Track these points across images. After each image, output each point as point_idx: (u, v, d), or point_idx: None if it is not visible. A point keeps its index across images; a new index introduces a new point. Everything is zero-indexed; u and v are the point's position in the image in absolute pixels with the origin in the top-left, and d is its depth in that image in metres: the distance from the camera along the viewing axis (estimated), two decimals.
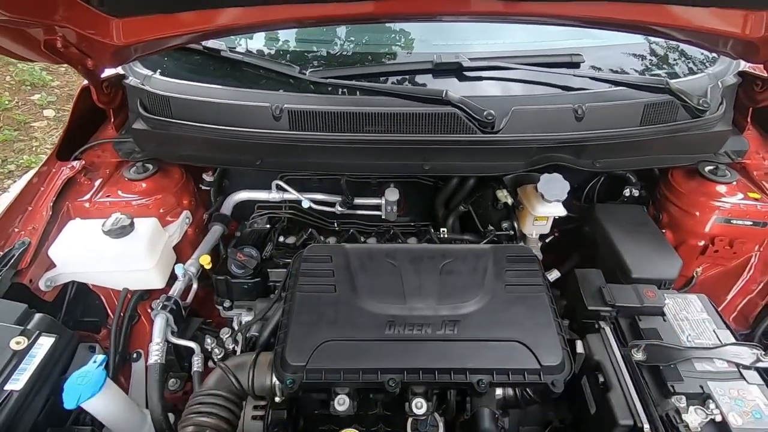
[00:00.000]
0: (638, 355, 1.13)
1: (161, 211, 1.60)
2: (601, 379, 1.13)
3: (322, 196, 1.76)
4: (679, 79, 1.58)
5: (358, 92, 1.53)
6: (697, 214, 1.57)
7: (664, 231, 1.63)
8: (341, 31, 1.83)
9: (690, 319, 1.26)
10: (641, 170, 1.77)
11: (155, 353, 1.29)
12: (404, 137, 1.44)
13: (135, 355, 1.49)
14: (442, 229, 1.69)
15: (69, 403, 1.06)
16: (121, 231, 1.40)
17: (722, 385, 1.07)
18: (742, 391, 1.06)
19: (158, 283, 1.50)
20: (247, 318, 1.48)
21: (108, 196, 1.58)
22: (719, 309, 1.31)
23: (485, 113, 1.40)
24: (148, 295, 1.56)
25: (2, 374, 1.06)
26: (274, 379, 1.14)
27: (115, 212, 1.44)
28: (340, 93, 1.53)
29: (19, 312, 1.19)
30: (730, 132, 1.63)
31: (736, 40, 1.28)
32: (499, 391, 1.20)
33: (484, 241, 1.64)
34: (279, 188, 1.73)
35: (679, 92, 1.48)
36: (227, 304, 1.54)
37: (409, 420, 1.14)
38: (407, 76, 1.60)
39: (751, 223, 1.53)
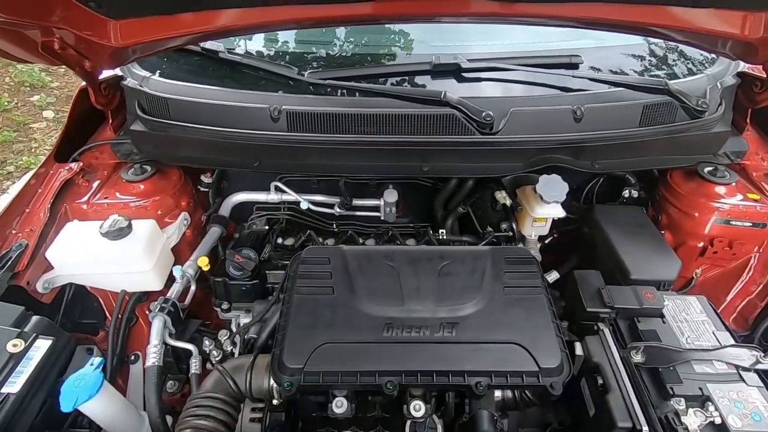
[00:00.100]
0: (637, 357, 1.13)
1: (159, 212, 1.60)
2: (600, 381, 1.12)
3: (320, 197, 1.75)
4: (678, 80, 1.58)
5: (356, 93, 1.53)
6: (697, 215, 1.57)
7: (663, 232, 1.62)
8: (339, 32, 1.83)
9: (689, 321, 1.26)
10: (640, 171, 1.77)
11: (153, 355, 1.28)
12: (402, 138, 1.44)
13: (133, 357, 1.49)
14: (440, 231, 1.69)
15: (66, 406, 1.05)
16: (119, 233, 1.39)
17: (721, 387, 1.07)
18: (742, 393, 1.06)
19: (156, 285, 1.49)
20: (245, 320, 1.48)
21: (106, 198, 1.58)
22: (719, 310, 1.31)
23: (484, 114, 1.40)
24: (146, 297, 1.55)
25: None
26: (272, 381, 1.13)
27: (113, 214, 1.44)
28: (338, 94, 1.53)
29: (16, 314, 1.19)
30: (729, 133, 1.62)
31: (735, 41, 1.28)
32: (497, 393, 1.19)
33: (483, 242, 1.63)
34: (277, 189, 1.73)
35: (678, 93, 1.48)
36: (225, 306, 1.53)
37: (408, 422, 1.13)
38: (406, 78, 1.60)
39: (751, 224, 1.53)
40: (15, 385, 1.07)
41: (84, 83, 1.61)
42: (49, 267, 1.43)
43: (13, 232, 1.43)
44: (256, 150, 1.54)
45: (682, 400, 1.04)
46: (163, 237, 1.54)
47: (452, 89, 1.46)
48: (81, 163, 1.66)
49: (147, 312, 1.47)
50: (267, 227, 1.73)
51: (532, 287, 1.23)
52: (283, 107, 1.43)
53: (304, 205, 1.70)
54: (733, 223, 1.54)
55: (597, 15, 1.22)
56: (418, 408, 1.09)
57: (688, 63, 1.73)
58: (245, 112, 1.45)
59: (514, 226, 1.67)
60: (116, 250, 1.40)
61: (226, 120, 1.47)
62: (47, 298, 1.42)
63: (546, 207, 1.56)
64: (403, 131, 1.43)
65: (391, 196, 1.69)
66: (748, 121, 1.67)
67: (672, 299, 1.32)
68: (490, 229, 1.68)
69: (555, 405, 1.28)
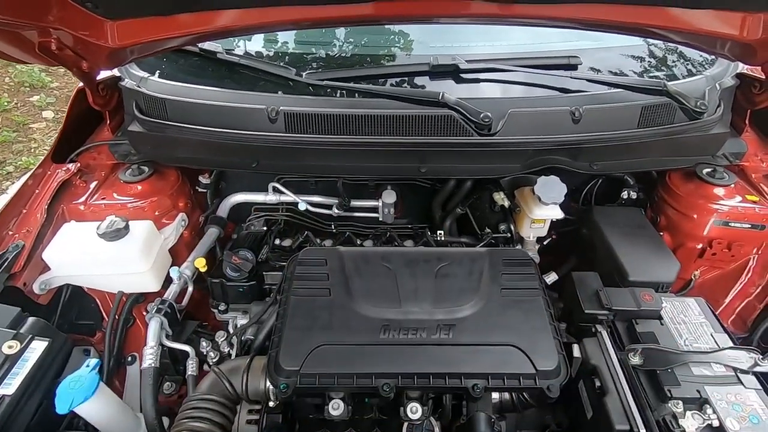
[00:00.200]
0: (635, 359, 1.13)
1: (157, 213, 1.59)
2: (598, 384, 1.12)
3: (318, 198, 1.75)
4: (677, 81, 1.58)
5: (354, 94, 1.52)
6: (695, 216, 1.56)
7: (661, 234, 1.62)
8: (338, 33, 1.82)
9: (687, 323, 1.25)
10: (639, 173, 1.76)
11: (149, 357, 1.28)
12: (400, 139, 1.44)
13: (130, 359, 1.49)
14: (438, 232, 1.69)
15: (61, 408, 1.05)
16: (116, 234, 1.39)
17: (719, 389, 1.06)
18: (740, 395, 1.05)
19: (153, 286, 1.49)
20: (242, 321, 1.47)
21: (103, 199, 1.58)
22: (717, 312, 1.31)
23: (482, 115, 1.39)
24: (143, 298, 1.55)
25: None
26: (268, 383, 1.13)
27: (110, 215, 1.43)
28: (336, 95, 1.53)
29: (12, 316, 1.19)
30: (728, 134, 1.62)
31: (733, 42, 1.28)
32: (495, 395, 1.19)
33: (481, 243, 1.63)
34: (275, 190, 1.73)
35: (676, 94, 1.47)
36: (222, 307, 1.53)
37: (405, 424, 1.13)
38: (404, 78, 1.60)
39: (749, 225, 1.53)
40: (10, 386, 1.06)
41: (82, 84, 1.61)
42: (46, 268, 1.42)
43: (10, 233, 1.42)
44: (253, 151, 1.53)
45: (680, 402, 1.03)
46: (161, 238, 1.54)
47: (450, 90, 1.45)
48: (78, 164, 1.66)
49: (144, 313, 1.46)
50: (265, 228, 1.73)
51: (529, 289, 1.22)
52: (281, 108, 1.42)
53: (302, 206, 1.70)
54: (732, 224, 1.53)
55: (595, 16, 1.22)
56: (414, 410, 1.08)
57: (686, 64, 1.73)
58: (243, 112, 1.45)
59: (512, 227, 1.67)
60: (113, 251, 1.39)
61: (223, 121, 1.47)
62: (44, 300, 1.42)
63: (544, 208, 1.56)
64: (401, 132, 1.43)
65: (389, 197, 1.69)
66: (747, 122, 1.67)
67: (670, 301, 1.31)
68: (489, 230, 1.68)
69: (553, 407, 1.28)
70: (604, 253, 1.50)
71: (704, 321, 1.26)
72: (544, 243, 1.75)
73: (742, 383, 1.08)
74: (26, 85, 4.96)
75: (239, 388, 1.16)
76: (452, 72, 1.57)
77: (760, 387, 1.07)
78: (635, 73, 1.67)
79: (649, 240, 1.51)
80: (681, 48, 1.75)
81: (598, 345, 1.20)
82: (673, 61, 1.75)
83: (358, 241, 1.70)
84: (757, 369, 1.09)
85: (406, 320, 1.14)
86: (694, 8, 1.21)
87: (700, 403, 1.04)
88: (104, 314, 1.54)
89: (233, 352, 1.38)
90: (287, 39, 1.83)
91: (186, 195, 1.73)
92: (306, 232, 1.68)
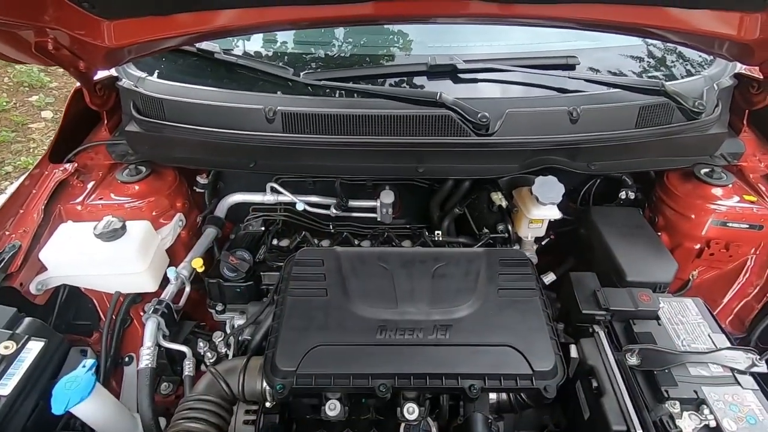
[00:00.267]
0: (632, 360, 1.13)
1: (154, 213, 1.59)
2: (595, 384, 1.12)
3: (316, 198, 1.75)
4: (675, 81, 1.58)
5: (352, 94, 1.52)
6: (693, 216, 1.56)
7: (659, 234, 1.62)
8: (336, 33, 1.82)
9: (685, 323, 1.25)
10: (637, 173, 1.76)
11: (146, 357, 1.28)
12: (398, 140, 1.44)
13: (127, 359, 1.49)
14: (436, 232, 1.68)
15: (57, 409, 1.05)
16: (113, 234, 1.39)
17: (717, 390, 1.06)
18: (737, 396, 1.05)
19: (150, 287, 1.49)
20: (239, 321, 1.47)
21: (101, 199, 1.57)
22: (715, 312, 1.30)
23: (479, 115, 1.39)
24: (140, 299, 1.55)
25: None
26: (264, 384, 1.13)
27: (107, 215, 1.43)
28: (333, 95, 1.52)
29: (8, 316, 1.19)
30: (726, 134, 1.62)
31: (731, 42, 1.28)
32: (492, 396, 1.19)
33: (479, 244, 1.63)
34: (273, 191, 1.73)
35: (674, 94, 1.47)
36: (220, 307, 1.53)
37: (402, 425, 1.13)
38: (401, 79, 1.60)
39: (747, 226, 1.53)
40: (6, 387, 1.06)
41: (79, 84, 1.61)
42: (43, 268, 1.42)
43: (7, 233, 1.42)
44: (251, 151, 1.53)
45: (677, 403, 1.03)
46: (158, 238, 1.53)
47: (448, 90, 1.45)
48: (76, 164, 1.65)
49: (141, 313, 1.46)
50: (263, 228, 1.73)
51: (526, 289, 1.22)
52: (278, 108, 1.42)
53: (300, 207, 1.70)
54: (730, 224, 1.53)
55: (594, 16, 1.22)
56: (411, 411, 1.08)
57: (684, 64, 1.72)
58: (240, 112, 1.45)
59: (510, 227, 1.67)
60: (110, 252, 1.39)
61: (221, 121, 1.46)
62: (41, 300, 1.41)
63: (542, 208, 1.56)
64: (399, 132, 1.43)
65: (387, 197, 1.69)
66: (744, 122, 1.67)
67: (668, 301, 1.31)
68: (487, 230, 1.67)
69: (551, 407, 1.28)
70: (602, 254, 1.50)
71: (702, 321, 1.26)
72: (543, 243, 1.75)
73: (739, 384, 1.08)
74: (25, 85, 4.96)
75: (236, 389, 1.16)
76: (450, 72, 1.57)
77: (758, 387, 1.07)
78: (633, 73, 1.67)
79: (647, 240, 1.51)
80: (679, 48, 1.75)
81: (595, 345, 1.19)
82: (672, 61, 1.75)
83: (356, 242, 1.70)
84: (755, 369, 1.09)
85: (402, 321, 1.14)
86: (692, 8, 1.20)
87: (697, 404, 1.04)
88: (101, 314, 1.53)
89: (230, 353, 1.37)
90: (285, 39, 1.83)
91: (183, 195, 1.73)
92: (303, 233, 1.68)
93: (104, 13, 1.21)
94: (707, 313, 1.28)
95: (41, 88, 5.00)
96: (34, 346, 1.16)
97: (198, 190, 1.83)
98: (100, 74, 1.58)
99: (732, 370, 1.10)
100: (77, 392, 1.07)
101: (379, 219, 1.75)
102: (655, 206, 1.71)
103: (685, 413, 1.02)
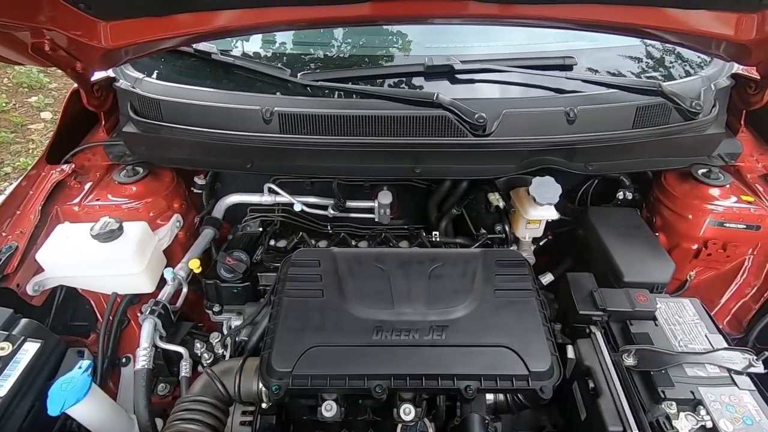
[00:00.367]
0: (629, 360, 1.12)
1: (151, 214, 1.59)
2: (591, 385, 1.11)
3: (314, 199, 1.75)
4: (672, 82, 1.58)
5: (349, 95, 1.52)
6: (691, 217, 1.56)
7: (657, 234, 1.62)
8: (333, 33, 1.82)
9: (682, 324, 1.25)
10: (634, 173, 1.76)
11: (142, 358, 1.28)
12: (395, 140, 1.43)
13: (124, 360, 1.49)
14: (434, 233, 1.68)
15: (53, 410, 1.05)
16: (110, 235, 1.39)
17: (713, 390, 1.06)
18: (734, 396, 1.05)
19: (147, 288, 1.48)
20: (236, 322, 1.47)
21: (98, 200, 1.57)
22: (713, 313, 1.31)
23: (476, 116, 1.39)
24: (137, 300, 1.54)
25: None
26: (260, 385, 1.13)
27: (104, 216, 1.43)
28: (330, 96, 1.52)
29: (4, 317, 1.19)
30: (723, 135, 1.62)
31: (728, 43, 1.28)
32: (490, 397, 1.19)
33: (476, 244, 1.63)
34: (271, 191, 1.73)
35: (671, 95, 1.47)
36: (217, 308, 1.53)
37: (399, 426, 1.12)
38: (399, 79, 1.60)
39: (745, 226, 1.52)
40: (1, 388, 1.06)
41: (76, 84, 1.61)
42: (40, 269, 1.42)
43: (3, 234, 1.42)
44: (248, 152, 1.53)
45: (674, 403, 1.03)
46: (155, 239, 1.53)
47: (445, 91, 1.45)
48: (73, 165, 1.65)
49: (139, 314, 1.46)
50: (260, 229, 1.73)
51: (523, 290, 1.22)
52: (275, 109, 1.42)
53: (297, 207, 1.70)
54: (727, 225, 1.53)
55: (594, 16, 1.22)
56: (408, 411, 1.08)
57: (682, 64, 1.72)
58: (237, 113, 1.45)
59: (508, 228, 1.66)
60: (107, 252, 1.39)
61: (218, 122, 1.46)
62: (38, 301, 1.41)
63: (539, 209, 1.56)
64: (396, 133, 1.43)
65: (385, 197, 1.69)
66: (742, 122, 1.66)
67: (665, 302, 1.31)
68: (484, 231, 1.67)
69: (548, 408, 1.27)
70: (600, 254, 1.50)
71: (699, 322, 1.26)
72: (540, 244, 1.75)
73: (736, 384, 1.07)
74: (25, 86, 4.96)
75: (232, 390, 1.16)
76: (447, 72, 1.57)
77: (754, 388, 1.07)
78: (631, 73, 1.67)
79: (644, 240, 1.51)
80: (676, 48, 1.75)
81: (592, 346, 1.19)
82: (669, 62, 1.75)
83: (353, 242, 1.70)
84: (751, 370, 1.09)
85: (398, 321, 1.14)
86: (690, 9, 1.20)
87: (693, 404, 1.03)
88: (99, 315, 1.53)
89: (227, 354, 1.37)
90: (283, 39, 1.83)
91: (181, 196, 1.73)
92: (300, 233, 1.68)
93: (100, 14, 1.21)
94: (704, 314, 1.28)
95: (41, 89, 5.00)
96: (30, 348, 1.16)
97: (195, 191, 1.83)
98: (98, 75, 1.58)
99: (729, 370, 1.10)
100: (73, 393, 1.06)
101: (377, 220, 1.74)
102: (653, 206, 1.71)
103: (682, 414, 1.02)
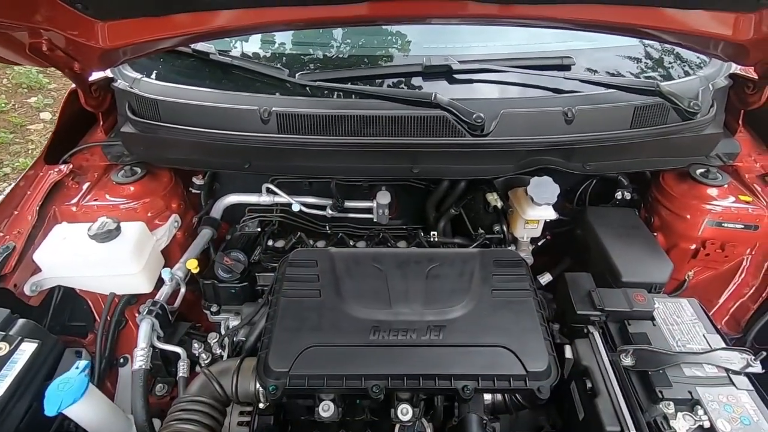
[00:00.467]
0: (627, 360, 1.12)
1: (149, 214, 1.59)
2: (589, 385, 1.11)
3: (312, 199, 1.75)
4: (670, 82, 1.58)
5: (347, 95, 1.52)
6: (689, 217, 1.56)
7: (655, 234, 1.62)
8: (331, 34, 1.82)
9: (680, 324, 1.25)
10: (633, 173, 1.76)
11: (140, 359, 1.27)
12: (393, 140, 1.43)
13: (122, 360, 1.49)
14: (432, 233, 1.68)
15: (50, 410, 1.05)
16: (107, 235, 1.38)
17: (711, 390, 1.06)
18: (732, 396, 1.05)
19: (145, 288, 1.48)
20: (234, 323, 1.47)
21: (96, 200, 1.57)
22: (711, 313, 1.31)
23: (474, 116, 1.39)
24: (135, 300, 1.54)
25: None
26: (258, 385, 1.13)
27: (102, 216, 1.43)
28: (328, 96, 1.52)
29: (1, 317, 1.19)
30: (721, 134, 1.62)
31: (726, 43, 1.28)
32: (488, 397, 1.19)
33: (474, 244, 1.63)
34: (269, 191, 1.72)
35: (669, 95, 1.47)
36: (214, 308, 1.53)
37: (397, 426, 1.12)
38: (397, 79, 1.60)
39: (743, 226, 1.52)
40: None
41: (74, 85, 1.61)
42: (37, 269, 1.42)
43: (1, 234, 1.42)
44: (246, 152, 1.53)
45: (672, 403, 1.03)
46: (153, 239, 1.53)
47: (443, 91, 1.45)
48: (71, 165, 1.65)
49: (136, 315, 1.46)
50: (259, 229, 1.73)
51: (520, 290, 1.22)
52: (273, 109, 1.42)
53: (295, 207, 1.70)
54: (726, 225, 1.53)
55: (592, 17, 1.22)
56: (405, 412, 1.08)
57: (680, 64, 1.72)
58: (235, 113, 1.45)
59: (506, 228, 1.66)
60: (104, 253, 1.39)
61: (216, 122, 1.46)
62: (35, 301, 1.41)
63: (537, 209, 1.56)
64: (394, 133, 1.42)
65: (383, 197, 1.69)
66: (740, 122, 1.66)
67: (663, 302, 1.31)
68: (482, 231, 1.67)
69: (547, 408, 1.27)
70: (598, 254, 1.49)
71: (697, 322, 1.25)
72: (539, 244, 1.75)
73: (734, 384, 1.07)
74: (24, 86, 4.96)
75: (229, 390, 1.16)
76: (445, 73, 1.57)
77: (752, 388, 1.06)
78: (629, 73, 1.67)
79: (642, 240, 1.51)
80: (674, 48, 1.75)
81: (589, 346, 1.19)
82: (667, 62, 1.75)
83: (351, 242, 1.69)
84: (749, 370, 1.09)
85: (396, 321, 1.14)
86: (687, 9, 1.21)
87: (691, 404, 1.03)
88: (96, 316, 1.53)
89: (225, 354, 1.37)
90: (281, 40, 1.83)
91: (179, 196, 1.73)
92: (298, 233, 1.68)
93: (98, 14, 1.21)
94: (702, 314, 1.28)
95: (40, 89, 5.00)
96: (27, 348, 1.16)
97: (194, 191, 1.83)
98: (96, 75, 1.59)
99: (727, 370, 1.10)
100: (70, 393, 1.06)
101: (375, 220, 1.75)
102: (651, 206, 1.71)
103: (680, 414, 1.02)
